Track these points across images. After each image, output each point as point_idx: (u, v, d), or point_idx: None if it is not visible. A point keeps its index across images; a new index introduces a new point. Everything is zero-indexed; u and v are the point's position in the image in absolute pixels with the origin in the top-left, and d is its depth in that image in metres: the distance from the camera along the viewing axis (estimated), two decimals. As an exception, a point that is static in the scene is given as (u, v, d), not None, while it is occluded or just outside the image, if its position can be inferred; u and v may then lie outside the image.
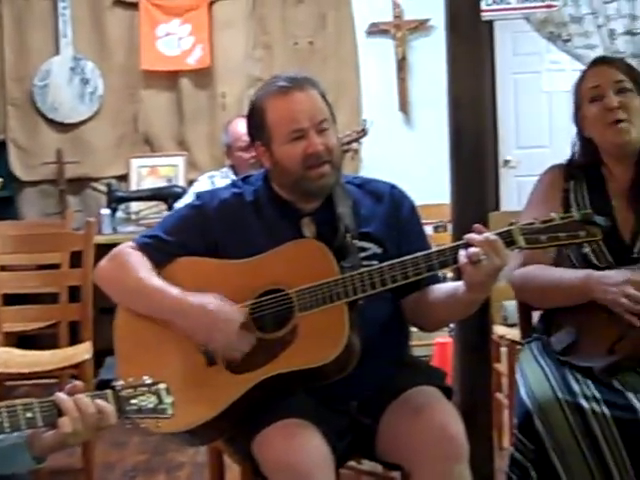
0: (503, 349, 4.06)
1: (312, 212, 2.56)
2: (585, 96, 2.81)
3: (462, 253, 2.26)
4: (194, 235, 2.56)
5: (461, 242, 2.30)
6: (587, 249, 2.72)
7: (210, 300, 2.42)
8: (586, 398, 2.51)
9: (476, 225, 2.30)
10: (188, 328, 2.43)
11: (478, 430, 2.89)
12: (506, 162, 7.56)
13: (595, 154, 2.84)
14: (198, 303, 2.42)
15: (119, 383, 2.02)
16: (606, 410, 2.48)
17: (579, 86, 2.85)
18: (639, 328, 2.55)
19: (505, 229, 2.30)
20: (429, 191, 4.61)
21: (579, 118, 2.85)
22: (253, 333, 2.41)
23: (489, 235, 2.26)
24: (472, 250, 2.24)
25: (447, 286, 2.51)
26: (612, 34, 5.80)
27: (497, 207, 7.23)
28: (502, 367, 4.09)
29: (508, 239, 2.28)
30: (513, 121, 7.60)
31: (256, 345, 2.40)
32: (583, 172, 2.85)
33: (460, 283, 2.35)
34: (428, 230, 4.90)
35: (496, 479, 2.88)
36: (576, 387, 2.55)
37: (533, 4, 5.82)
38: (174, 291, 2.46)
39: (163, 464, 4.22)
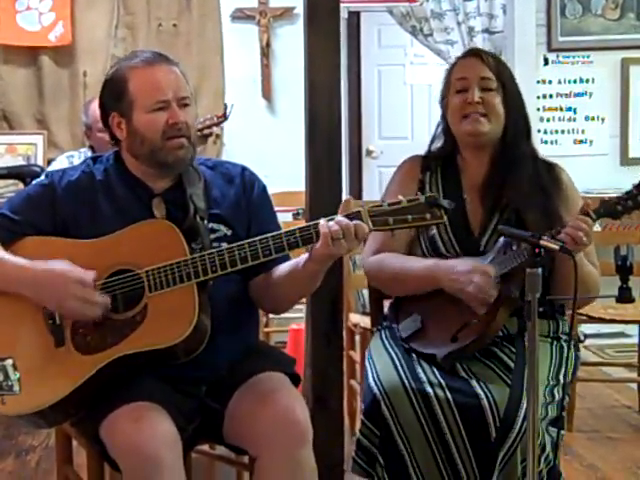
0: (358, 337, 4.13)
1: (163, 192, 2.55)
2: (452, 85, 2.86)
3: (322, 222, 2.30)
4: (42, 214, 2.52)
5: (311, 223, 2.34)
6: (438, 241, 2.80)
7: (59, 265, 2.39)
8: (431, 384, 2.57)
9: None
10: (39, 296, 2.39)
11: (329, 415, 2.95)
12: (369, 152, 7.67)
13: (454, 142, 2.90)
14: (47, 268, 2.39)
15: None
16: (450, 396, 2.55)
17: (449, 73, 2.90)
18: (481, 317, 2.63)
19: (354, 210, 2.33)
20: (289, 178, 4.65)
21: (444, 104, 2.90)
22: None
23: (342, 219, 2.30)
24: (334, 228, 2.28)
25: (289, 262, 2.53)
26: (471, 31, 5.92)
27: (360, 196, 7.34)
28: (356, 354, 4.16)
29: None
30: (376, 112, 7.72)
31: (106, 325, 2.38)
32: (440, 163, 2.91)
33: (301, 257, 2.40)
34: (287, 217, 4.94)
35: (346, 464, 2.92)
36: (422, 374, 2.61)
37: (396, -3, 5.91)
38: (21, 261, 2.42)
39: (13, 448, 4.15)
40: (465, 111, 2.80)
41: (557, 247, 2.32)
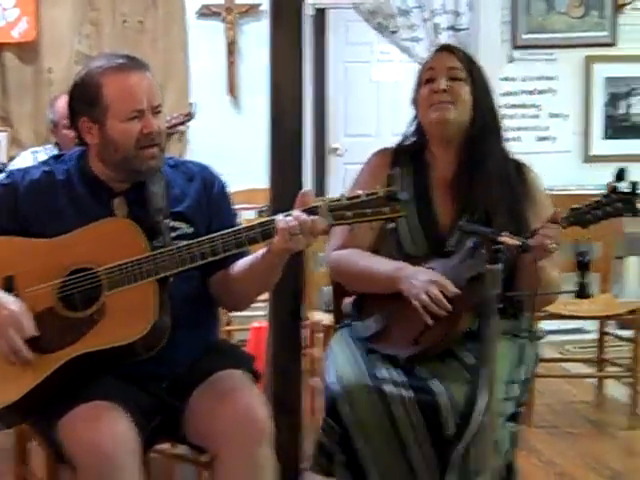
0: (319, 334, 4.13)
1: (124, 192, 2.54)
2: (422, 78, 2.88)
3: (280, 218, 2.30)
4: (4, 214, 2.52)
5: (270, 218, 2.34)
6: (404, 240, 2.80)
7: (13, 304, 2.39)
8: (390, 383, 2.58)
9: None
10: None
11: (289, 414, 2.94)
12: (334, 150, 7.66)
13: (424, 138, 2.91)
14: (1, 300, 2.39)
15: None
16: (409, 394, 2.56)
17: (421, 69, 2.92)
18: (443, 321, 2.63)
19: (313, 205, 2.32)
20: (255, 175, 4.62)
21: (416, 100, 2.91)
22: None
23: (300, 214, 2.30)
24: (292, 223, 2.28)
25: (248, 257, 2.52)
26: (437, 28, 5.93)
27: (322, 194, 7.33)
28: (319, 351, 4.16)
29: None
30: (342, 109, 7.71)
31: (64, 325, 2.38)
32: (410, 158, 2.91)
33: (259, 251, 2.41)
34: (252, 214, 4.93)
35: (306, 462, 2.91)
36: (382, 373, 2.62)
37: (362, -7, 5.90)
38: None
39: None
40: (432, 100, 2.81)
41: (518, 243, 2.33)
